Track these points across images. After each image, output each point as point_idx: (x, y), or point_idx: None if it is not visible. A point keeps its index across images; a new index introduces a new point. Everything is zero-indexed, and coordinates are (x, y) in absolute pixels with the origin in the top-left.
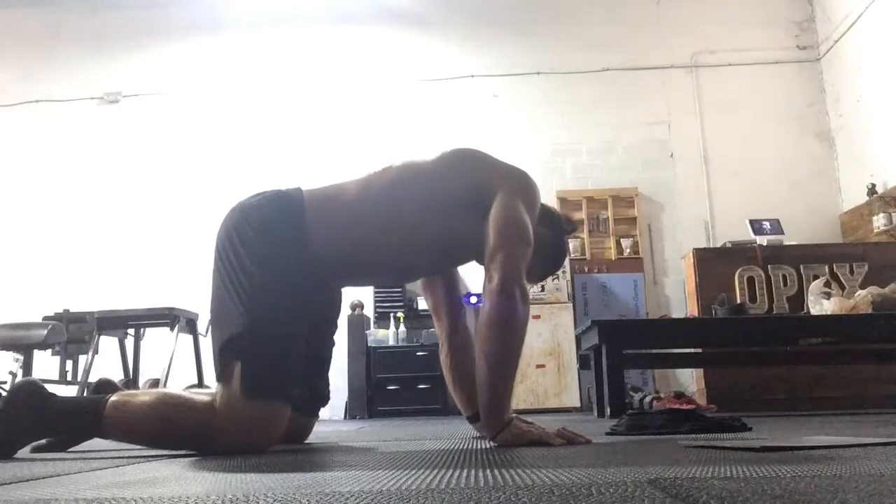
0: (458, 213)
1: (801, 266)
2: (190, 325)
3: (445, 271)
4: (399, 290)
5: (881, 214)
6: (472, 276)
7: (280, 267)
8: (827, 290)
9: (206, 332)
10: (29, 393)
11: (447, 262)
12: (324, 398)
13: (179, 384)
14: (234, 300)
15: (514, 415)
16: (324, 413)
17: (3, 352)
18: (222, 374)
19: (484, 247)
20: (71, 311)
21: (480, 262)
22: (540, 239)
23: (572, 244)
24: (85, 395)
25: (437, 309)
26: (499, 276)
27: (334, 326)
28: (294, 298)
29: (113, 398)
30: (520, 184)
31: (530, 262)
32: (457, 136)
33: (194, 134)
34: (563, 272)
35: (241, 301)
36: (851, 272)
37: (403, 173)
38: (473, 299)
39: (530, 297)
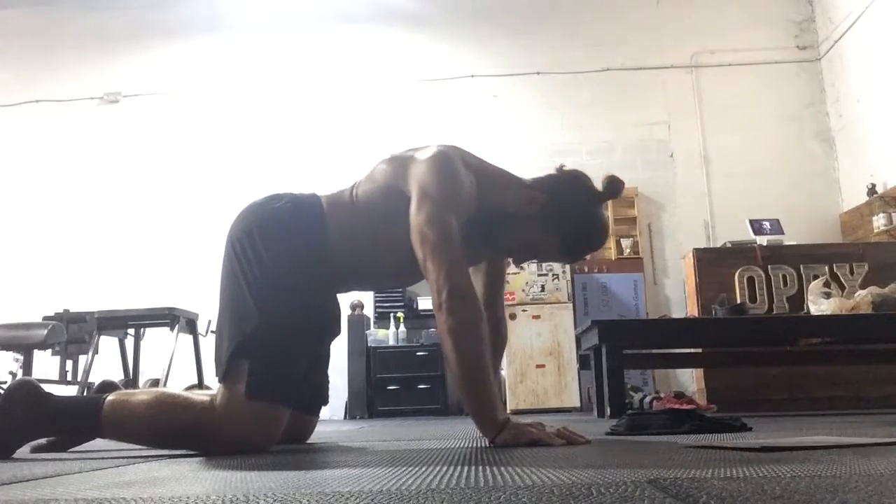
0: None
1: (801, 266)
2: (190, 325)
3: (477, 264)
4: (399, 290)
5: (881, 214)
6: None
7: (300, 270)
8: (827, 290)
9: (207, 332)
10: (26, 393)
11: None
12: (325, 397)
13: (179, 384)
14: (247, 298)
15: (509, 415)
16: (324, 413)
17: (3, 352)
18: (227, 372)
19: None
20: (71, 311)
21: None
22: (558, 218)
23: None
24: (85, 395)
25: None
26: (434, 289)
27: (338, 326)
28: (307, 303)
29: (111, 398)
30: (426, 174)
31: (551, 243)
32: (457, 136)
33: (194, 134)
34: (564, 272)
35: (255, 300)
36: (851, 272)
37: (370, 180)
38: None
39: (529, 297)
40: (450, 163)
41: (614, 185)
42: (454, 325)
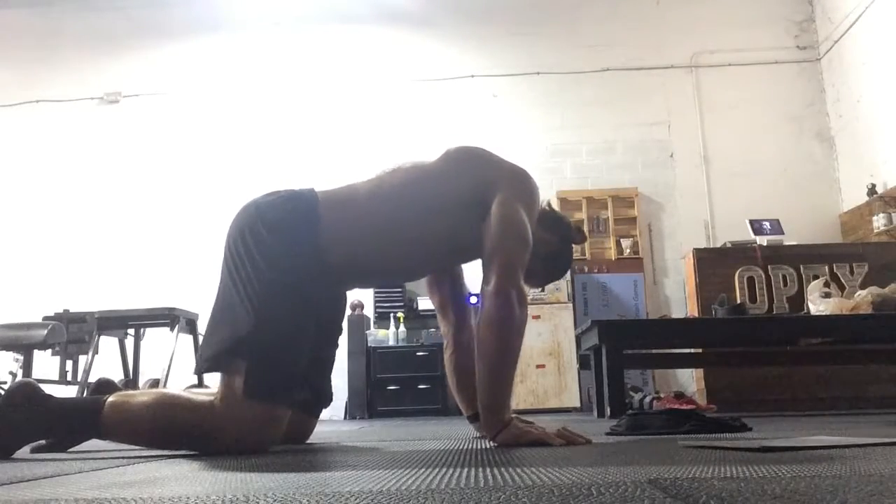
0: (462, 211)
1: (801, 266)
2: (190, 325)
3: (452, 269)
4: (399, 290)
5: (881, 214)
6: (471, 275)
7: (293, 269)
8: (827, 290)
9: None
10: (25, 394)
11: (455, 260)
12: (326, 399)
13: (179, 384)
14: (242, 299)
15: (513, 415)
16: (324, 413)
17: (3, 352)
18: (226, 373)
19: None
20: (71, 311)
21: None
22: (544, 245)
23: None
24: (85, 395)
25: (444, 307)
26: (496, 279)
27: (339, 328)
28: (304, 301)
29: (111, 399)
30: (521, 184)
31: (531, 265)
32: (457, 136)
33: (194, 134)
34: None
35: (250, 301)
36: (851, 272)
37: (411, 174)
38: (474, 299)
39: (530, 296)
40: (536, 193)
41: (582, 235)
42: (508, 316)
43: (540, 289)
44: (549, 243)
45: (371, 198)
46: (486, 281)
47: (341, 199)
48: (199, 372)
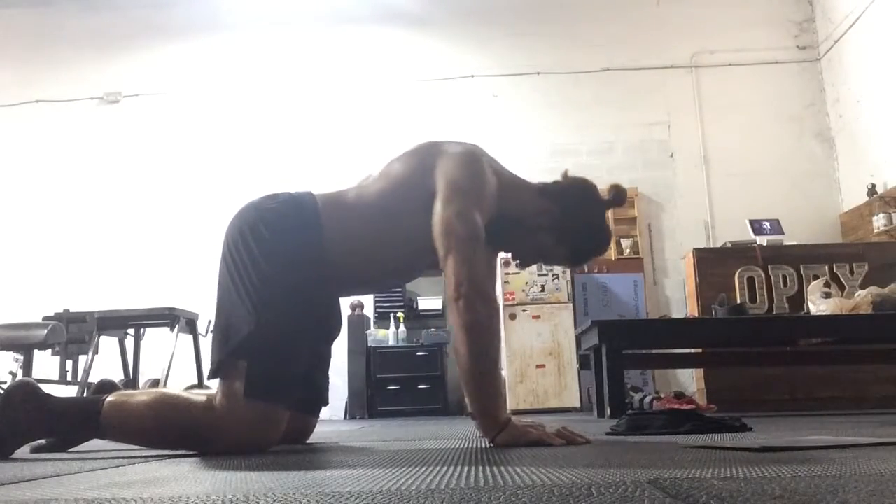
0: (428, 206)
1: (801, 266)
2: (190, 325)
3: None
4: (399, 290)
5: (881, 214)
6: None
7: (294, 270)
8: (827, 290)
9: (207, 332)
10: (25, 393)
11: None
12: (324, 398)
13: (179, 384)
14: (243, 299)
15: (510, 414)
16: (324, 413)
17: (3, 352)
18: (226, 373)
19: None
20: (71, 311)
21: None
22: (546, 221)
23: None
24: (85, 395)
25: None
26: (453, 284)
27: (338, 328)
28: (305, 301)
29: (110, 398)
30: (456, 168)
31: (560, 252)
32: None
33: (194, 134)
34: (564, 272)
35: (251, 301)
36: (851, 272)
37: (382, 180)
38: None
39: (530, 296)
40: (479, 162)
41: (620, 195)
42: (471, 320)
43: (540, 287)
44: (575, 225)
45: (360, 199)
46: (446, 286)
47: (339, 200)
48: (212, 377)
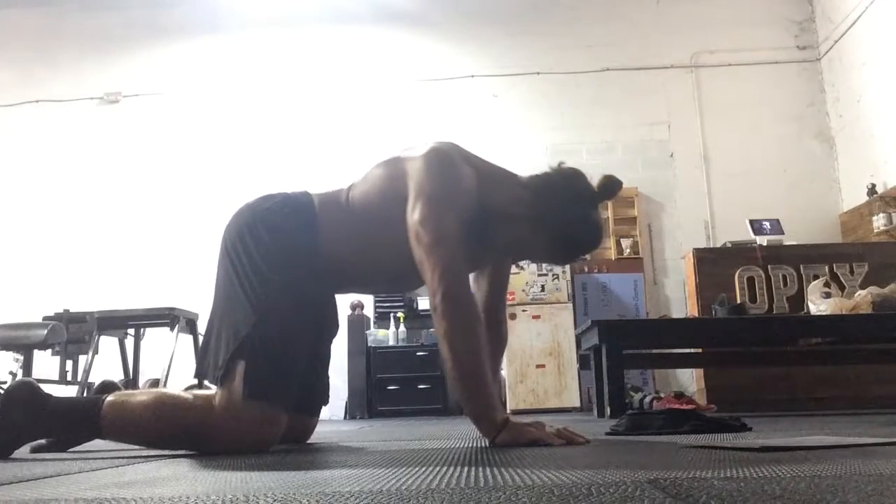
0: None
1: (801, 266)
2: (190, 325)
3: (482, 267)
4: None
5: (881, 214)
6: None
7: (293, 270)
8: (827, 290)
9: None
10: (25, 394)
11: None
12: (324, 398)
13: (179, 384)
14: (242, 300)
15: (508, 415)
16: (324, 413)
17: (3, 352)
18: (225, 373)
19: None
20: (71, 311)
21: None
22: (526, 219)
23: None
24: (85, 395)
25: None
26: (430, 292)
27: (336, 327)
28: (303, 301)
29: (110, 398)
30: (421, 171)
31: (539, 244)
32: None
33: (194, 134)
34: (564, 272)
35: (250, 302)
36: (851, 272)
37: (365, 184)
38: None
39: (530, 296)
40: (446, 159)
41: (611, 186)
42: (447, 328)
43: (540, 287)
44: (550, 213)
45: (351, 201)
46: (428, 293)
47: (333, 201)
48: (214, 381)
